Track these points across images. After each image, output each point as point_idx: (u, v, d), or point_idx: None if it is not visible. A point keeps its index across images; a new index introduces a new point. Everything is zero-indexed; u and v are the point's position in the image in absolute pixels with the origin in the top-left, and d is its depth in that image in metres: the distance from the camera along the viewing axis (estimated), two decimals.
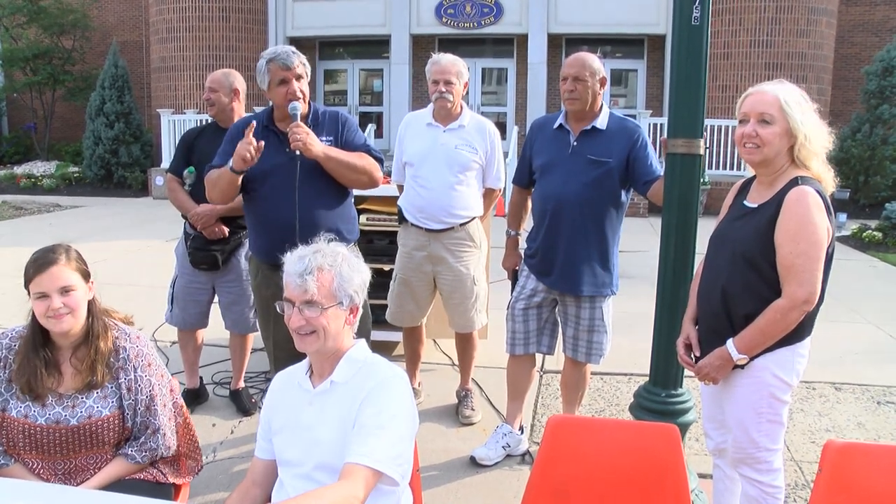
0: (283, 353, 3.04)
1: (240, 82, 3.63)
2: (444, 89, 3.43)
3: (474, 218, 3.58)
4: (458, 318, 3.68)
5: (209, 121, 3.69)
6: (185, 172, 3.56)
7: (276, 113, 2.90)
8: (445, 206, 3.48)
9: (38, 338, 1.99)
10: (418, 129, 3.59)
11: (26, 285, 1.96)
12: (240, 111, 3.61)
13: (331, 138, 2.92)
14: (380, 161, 2.98)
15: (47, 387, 1.98)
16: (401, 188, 3.75)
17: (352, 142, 2.96)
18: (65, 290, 1.94)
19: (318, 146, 2.78)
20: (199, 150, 3.53)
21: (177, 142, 3.66)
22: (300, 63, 2.84)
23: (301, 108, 2.81)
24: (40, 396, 1.98)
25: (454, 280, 3.58)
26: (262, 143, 2.72)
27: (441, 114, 3.52)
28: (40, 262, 1.94)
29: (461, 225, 3.53)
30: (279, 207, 2.84)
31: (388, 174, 3.88)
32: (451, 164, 3.46)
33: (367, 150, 2.96)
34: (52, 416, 1.98)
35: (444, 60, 3.47)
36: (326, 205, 2.90)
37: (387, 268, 4.03)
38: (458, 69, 3.46)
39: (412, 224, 3.58)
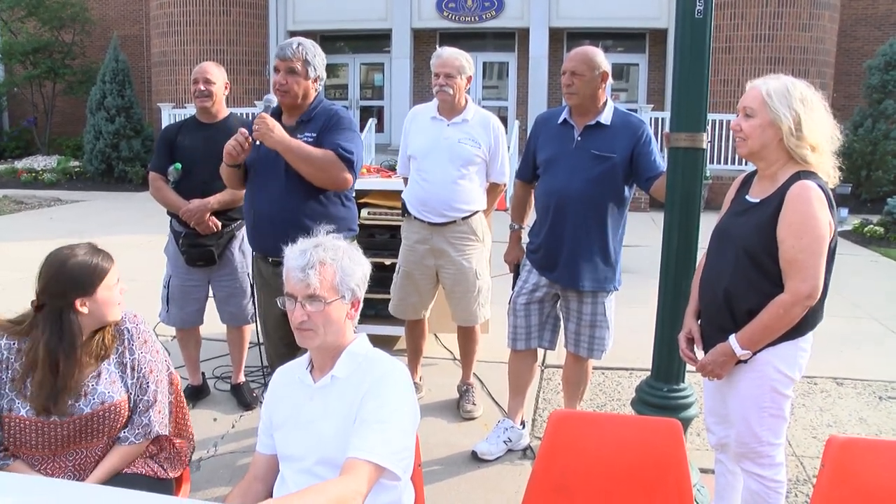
0: (271, 341, 3.05)
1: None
2: (443, 82, 3.42)
3: (477, 212, 3.58)
4: (461, 311, 3.68)
5: (187, 116, 3.70)
6: (171, 169, 3.50)
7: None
8: (447, 199, 3.48)
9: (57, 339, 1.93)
10: (423, 122, 3.59)
11: (89, 291, 1.96)
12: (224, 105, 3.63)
13: (312, 135, 2.86)
14: (347, 162, 2.81)
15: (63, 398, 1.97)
16: (406, 181, 3.75)
17: (326, 138, 2.85)
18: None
19: (276, 137, 2.71)
20: (182, 146, 3.52)
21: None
22: (296, 57, 2.83)
23: (274, 100, 2.85)
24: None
25: (456, 273, 3.58)
26: (250, 138, 2.78)
27: (444, 107, 3.52)
28: (103, 266, 2.09)
29: (463, 219, 3.52)
30: (250, 198, 2.97)
31: (391, 168, 3.88)
32: (454, 158, 3.46)
33: (335, 147, 2.80)
34: (66, 410, 1.97)
35: (446, 54, 3.48)
36: (291, 200, 2.83)
37: (388, 262, 4.03)
38: (459, 63, 3.45)
39: (415, 217, 3.58)
